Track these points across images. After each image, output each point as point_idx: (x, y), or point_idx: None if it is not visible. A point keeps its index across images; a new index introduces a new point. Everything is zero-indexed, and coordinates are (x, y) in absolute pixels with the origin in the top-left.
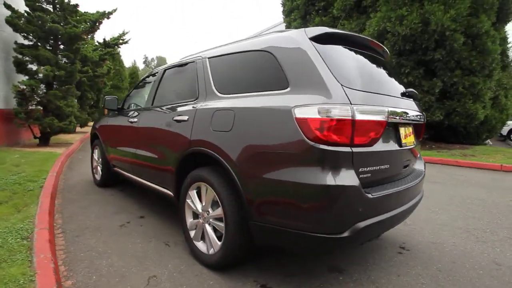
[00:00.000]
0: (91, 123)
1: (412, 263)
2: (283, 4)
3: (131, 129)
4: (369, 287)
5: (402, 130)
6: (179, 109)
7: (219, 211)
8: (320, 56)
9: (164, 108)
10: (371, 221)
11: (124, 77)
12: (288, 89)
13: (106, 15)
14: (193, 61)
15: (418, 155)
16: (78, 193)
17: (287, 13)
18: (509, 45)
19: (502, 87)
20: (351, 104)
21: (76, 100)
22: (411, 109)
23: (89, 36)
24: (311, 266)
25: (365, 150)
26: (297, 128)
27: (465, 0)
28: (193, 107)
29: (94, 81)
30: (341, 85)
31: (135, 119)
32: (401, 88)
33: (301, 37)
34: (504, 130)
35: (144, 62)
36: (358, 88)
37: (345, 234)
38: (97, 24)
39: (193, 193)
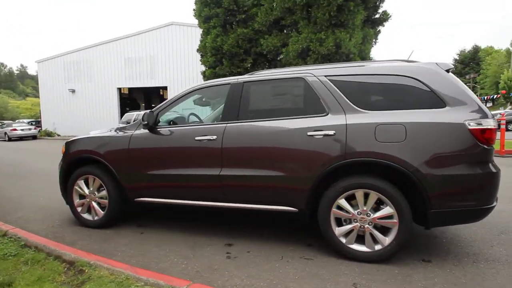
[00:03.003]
0: None
1: (474, 228)
2: (199, 10)
3: (204, 149)
4: (473, 242)
5: None
6: (304, 124)
7: (387, 211)
8: (460, 83)
9: (272, 123)
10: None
11: None
12: (448, 108)
13: None
14: (300, 77)
15: None
16: (90, 241)
17: (204, 19)
18: None
19: None
20: (493, 118)
21: None
22: None
23: None
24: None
25: None
26: (471, 136)
27: (359, 32)
28: (336, 122)
29: None
30: (482, 103)
31: (211, 137)
32: None
33: (440, 69)
34: None
35: None
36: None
37: (494, 203)
38: None
39: (342, 201)
